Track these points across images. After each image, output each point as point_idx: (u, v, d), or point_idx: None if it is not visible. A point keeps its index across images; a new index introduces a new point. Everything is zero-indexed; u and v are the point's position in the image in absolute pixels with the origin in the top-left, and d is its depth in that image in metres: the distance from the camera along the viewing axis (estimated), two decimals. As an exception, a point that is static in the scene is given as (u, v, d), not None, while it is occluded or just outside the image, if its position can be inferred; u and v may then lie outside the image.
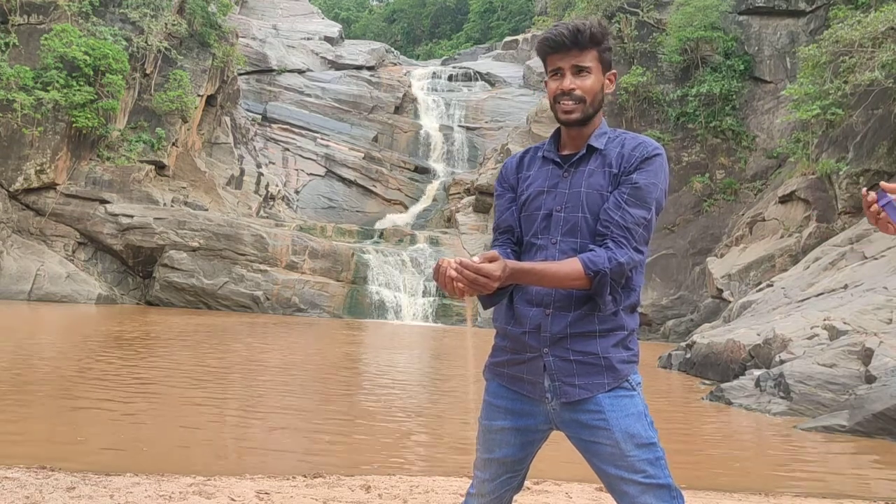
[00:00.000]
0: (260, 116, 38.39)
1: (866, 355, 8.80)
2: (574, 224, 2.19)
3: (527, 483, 4.89)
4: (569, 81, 2.22)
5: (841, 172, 20.05)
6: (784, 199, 21.91)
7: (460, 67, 44.22)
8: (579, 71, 2.22)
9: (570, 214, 2.20)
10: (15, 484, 4.19)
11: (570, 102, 2.23)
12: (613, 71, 2.32)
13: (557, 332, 2.16)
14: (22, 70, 25.07)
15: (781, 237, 21.24)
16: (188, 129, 30.62)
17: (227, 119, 34.15)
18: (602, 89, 2.29)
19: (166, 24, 29.22)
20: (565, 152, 2.31)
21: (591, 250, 2.13)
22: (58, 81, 25.29)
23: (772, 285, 16.52)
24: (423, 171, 38.37)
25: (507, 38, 47.64)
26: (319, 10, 51.09)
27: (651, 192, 2.15)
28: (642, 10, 29.42)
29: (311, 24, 45.87)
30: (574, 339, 2.16)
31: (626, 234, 2.12)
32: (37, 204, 25.91)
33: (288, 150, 37.78)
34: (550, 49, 2.23)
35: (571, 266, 2.09)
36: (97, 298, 24.25)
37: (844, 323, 10.22)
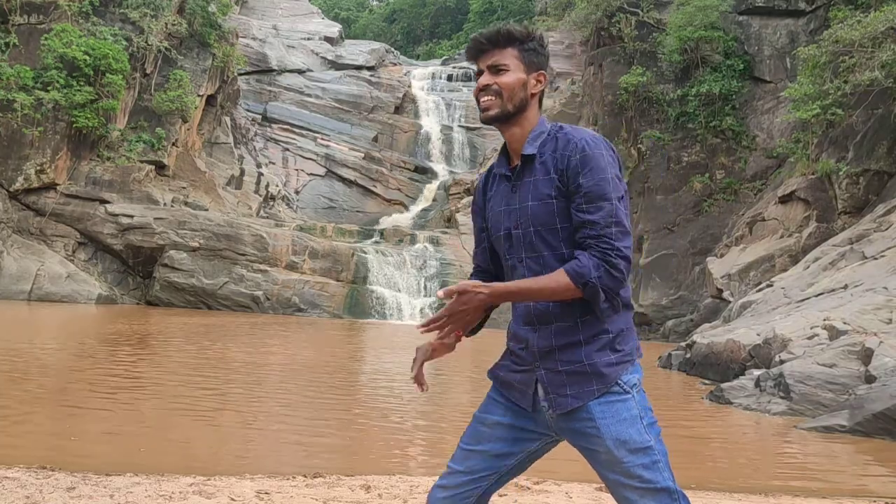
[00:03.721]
0: (260, 116, 38.39)
1: (866, 355, 8.80)
2: (531, 240, 2.19)
3: (527, 483, 4.89)
4: (485, 78, 2.24)
5: (841, 172, 20.05)
6: (784, 199, 21.91)
7: (460, 67, 44.21)
8: (497, 69, 2.23)
9: (525, 231, 2.20)
10: (15, 484, 4.19)
11: (487, 98, 2.23)
12: (542, 71, 2.27)
13: (544, 347, 2.18)
14: (22, 70, 25.08)
15: (781, 237, 21.24)
16: (188, 129, 30.63)
17: (227, 119, 34.15)
18: (524, 87, 2.23)
19: (166, 24, 29.22)
20: (515, 163, 2.28)
21: (575, 258, 2.09)
22: (58, 81, 25.29)
23: (772, 285, 16.52)
24: (423, 171, 38.37)
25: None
26: (319, 10, 51.08)
27: (604, 188, 2.09)
28: (642, 10, 29.42)
29: (311, 24, 45.86)
30: (561, 350, 2.16)
31: (603, 240, 2.07)
32: (37, 204, 25.91)
33: (288, 150, 37.78)
34: (473, 54, 2.28)
35: (558, 279, 2.08)
36: (97, 298, 24.25)
37: (844, 323, 10.22)
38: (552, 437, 2.28)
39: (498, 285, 2.12)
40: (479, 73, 2.27)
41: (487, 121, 2.25)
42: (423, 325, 2.14)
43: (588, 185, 2.09)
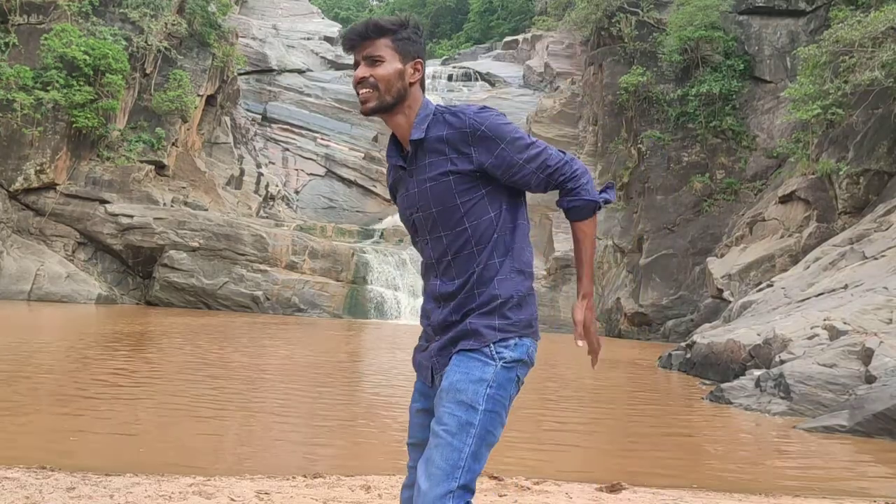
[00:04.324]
0: (260, 116, 38.38)
1: (866, 355, 8.80)
2: (434, 220, 2.23)
3: (527, 483, 4.89)
4: (361, 71, 2.23)
5: (841, 172, 20.04)
6: (784, 199, 21.91)
7: (460, 67, 44.18)
8: (373, 61, 2.22)
9: (426, 213, 2.23)
10: (15, 484, 4.19)
11: (365, 90, 2.22)
12: (419, 59, 2.27)
13: (444, 321, 2.23)
14: (22, 70, 25.07)
15: (781, 237, 21.23)
16: (188, 129, 30.62)
17: (227, 119, 34.15)
18: (401, 77, 2.23)
19: (166, 23, 29.21)
20: (406, 150, 2.32)
21: (566, 208, 2.22)
22: (58, 81, 25.29)
23: (772, 285, 16.52)
24: (423, 171, 38.31)
25: (507, 38, 47.58)
26: (319, 10, 51.08)
27: (524, 145, 2.17)
28: (642, 10, 29.42)
29: (311, 23, 45.85)
30: (456, 323, 2.21)
31: (562, 168, 2.19)
32: (37, 204, 25.91)
33: (288, 150, 37.78)
34: (348, 46, 2.27)
35: (584, 230, 2.23)
36: (97, 298, 24.25)
37: (844, 323, 10.22)
38: None
39: (586, 293, 2.24)
40: (357, 65, 2.26)
41: (367, 113, 2.24)
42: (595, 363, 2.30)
43: (513, 148, 2.15)
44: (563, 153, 2.22)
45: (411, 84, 2.26)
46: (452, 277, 2.23)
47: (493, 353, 2.14)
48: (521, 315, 2.20)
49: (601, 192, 2.26)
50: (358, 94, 2.24)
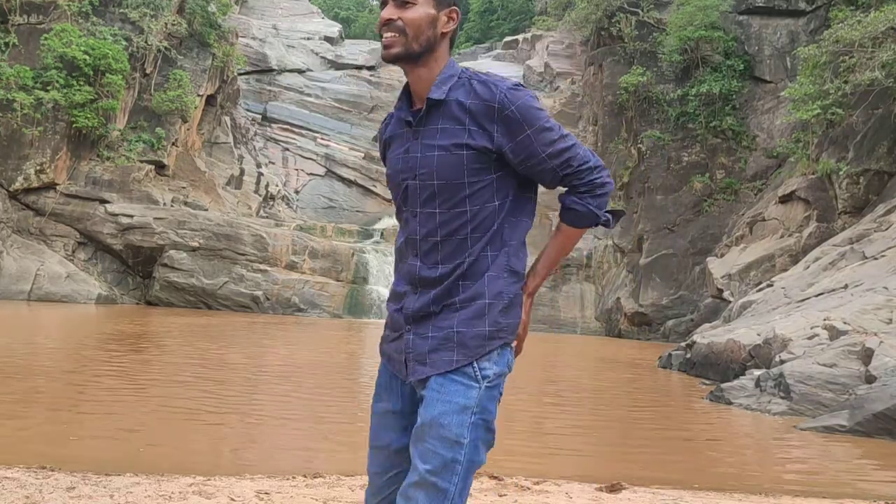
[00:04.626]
0: (260, 116, 38.38)
1: (866, 355, 8.80)
2: (430, 194, 1.98)
3: (527, 483, 4.89)
4: (388, 11, 1.99)
5: (841, 172, 20.05)
6: (784, 199, 21.91)
7: (460, 67, 44.19)
8: (403, 2, 1.98)
9: (424, 182, 1.98)
10: (15, 484, 4.19)
11: (390, 34, 1.98)
12: (454, 7, 2.05)
13: (419, 310, 2.00)
14: (22, 70, 25.06)
15: (781, 237, 21.24)
16: (188, 129, 30.62)
17: (227, 119, 34.14)
18: (433, 25, 1.99)
19: (166, 23, 29.20)
20: (417, 107, 2.06)
21: (567, 207, 2.03)
22: (58, 81, 25.28)
23: (772, 285, 16.52)
24: (423, 171, 38.32)
25: (507, 38, 47.58)
26: (319, 10, 51.07)
27: (553, 135, 1.97)
28: (642, 10, 29.42)
29: (311, 23, 45.84)
30: (437, 316, 1.98)
31: (582, 173, 1.99)
32: (37, 204, 25.90)
33: (288, 149, 37.77)
34: None
35: (569, 236, 2.06)
36: (97, 298, 24.25)
37: (844, 323, 10.22)
38: None
39: (531, 284, 2.04)
40: (384, 4, 2.02)
41: (390, 59, 2.00)
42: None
43: (539, 139, 1.95)
44: (593, 155, 2.02)
45: (443, 35, 2.03)
46: (437, 262, 1.99)
47: (477, 371, 1.94)
48: (509, 319, 2.00)
49: (609, 211, 2.06)
50: (381, 36, 2.00)
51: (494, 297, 1.98)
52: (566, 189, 2.05)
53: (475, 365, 1.94)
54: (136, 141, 28.25)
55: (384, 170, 2.18)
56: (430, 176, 1.97)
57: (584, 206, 2.01)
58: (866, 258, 14.63)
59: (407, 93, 2.09)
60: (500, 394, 2.01)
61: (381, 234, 30.29)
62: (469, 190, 1.97)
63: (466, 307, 1.97)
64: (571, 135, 2.01)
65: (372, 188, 37.30)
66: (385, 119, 2.21)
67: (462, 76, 2.03)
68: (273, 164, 36.60)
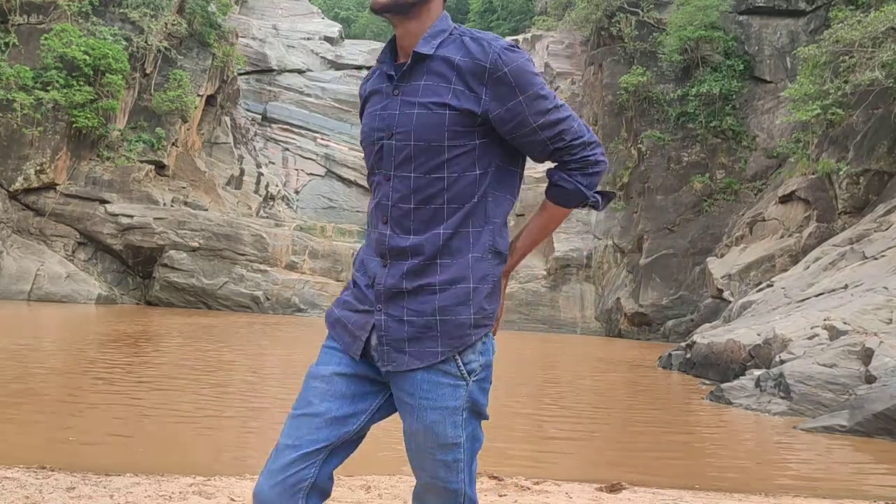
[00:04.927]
0: (260, 116, 38.39)
1: (866, 355, 8.80)
2: (407, 155, 1.81)
3: (527, 483, 4.89)
4: None
5: (841, 172, 20.06)
6: (784, 199, 21.92)
7: (460, 67, 44.21)
8: None
9: (401, 142, 1.81)
10: (15, 484, 4.19)
11: None
12: None
13: (392, 287, 1.81)
14: (22, 70, 25.07)
15: (781, 237, 21.24)
16: (188, 129, 30.63)
17: (227, 119, 34.15)
18: None
19: (166, 23, 29.21)
20: (401, 61, 1.89)
21: (555, 183, 1.87)
22: (58, 81, 25.29)
23: (772, 285, 16.52)
24: (423, 171, 38.32)
25: (508, 38, 47.65)
26: (319, 10, 51.08)
27: (547, 104, 1.81)
28: (642, 10, 29.42)
29: (311, 23, 45.84)
30: (412, 295, 1.80)
31: (574, 148, 1.83)
32: (37, 204, 25.91)
33: (288, 150, 37.78)
34: None
35: (553, 215, 1.91)
36: (97, 298, 24.25)
37: (844, 323, 10.22)
38: (390, 392, 1.92)
39: (509, 264, 1.90)
40: None
41: (379, 9, 1.84)
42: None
43: (532, 107, 1.79)
44: (588, 130, 1.86)
45: None
46: (409, 231, 1.81)
47: (462, 366, 1.81)
48: (494, 305, 1.84)
49: (599, 192, 1.90)
50: None
51: (479, 281, 1.82)
52: (555, 164, 1.89)
53: (459, 360, 1.80)
54: (136, 141, 28.26)
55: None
56: (408, 136, 1.80)
57: (573, 184, 1.85)
58: (866, 258, 14.63)
59: (393, 47, 1.93)
60: (490, 383, 1.89)
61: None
62: (448, 154, 1.79)
63: (447, 290, 1.80)
64: (567, 106, 1.86)
65: (372, 188, 37.34)
66: (368, 74, 2.02)
67: (455, 32, 1.86)
68: (273, 164, 36.61)
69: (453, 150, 1.80)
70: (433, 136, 1.78)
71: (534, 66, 1.83)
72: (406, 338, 1.80)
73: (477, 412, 1.85)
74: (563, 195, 1.87)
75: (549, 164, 1.93)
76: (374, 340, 1.84)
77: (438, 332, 1.79)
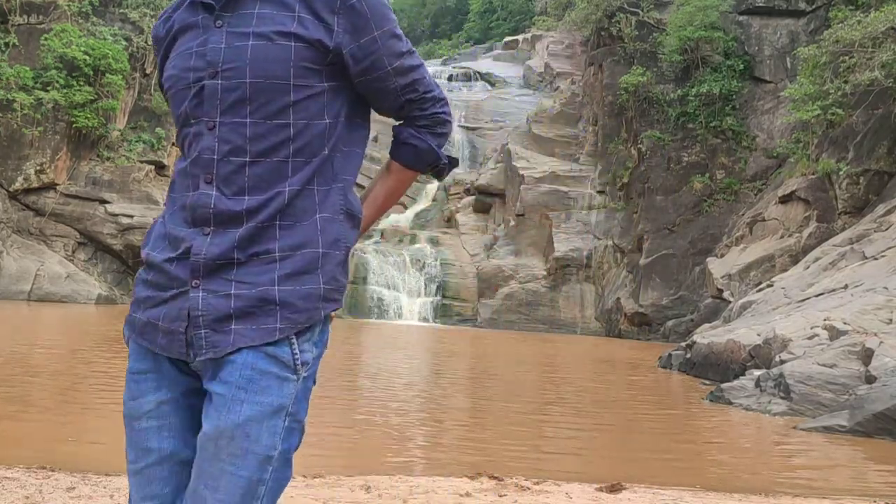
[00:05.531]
0: (260, 116, 38.41)
1: (866, 355, 8.81)
2: (240, 97, 1.47)
3: (527, 483, 4.89)
4: None
5: (841, 172, 20.06)
6: (784, 199, 21.92)
7: (460, 67, 44.18)
8: None
9: (231, 81, 1.47)
10: (15, 484, 4.19)
11: None
12: None
13: (218, 256, 1.45)
14: (22, 70, 25.08)
15: (781, 237, 21.25)
16: (188, 129, 30.65)
17: (227, 119, 34.20)
18: None
19: (166, 24, 29.24)
20: None
21: (404, 142, 1.63)
22: (58, 81, 25.30)
23: (772, 285, 16.52)
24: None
25: (507, 38, 47.62)
26: (319, 10, 51.10)
27: (401, 47, 1.57)
28: (642, 10, 29.42)
29: (311, 24, 45.88)
30: (242, 266, 1.45)
31: (426, 102, 1.61)
32: (37, 204, 25.91)
33: (288, 150, 37.82)
34: None
35: (400, 178, 1.66)
36: (97, 298, 24.26)
37: (844, 323, 10.22)
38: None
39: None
40: None
41: None
42: None
43: (387, 47, 1.54)
44: (437, 86, 1.62)
45: None
46: (243, 189, 1.46)
47: (295, 354, 1.46)
48: (346, 277, 1.56)
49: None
50: None
51: (330, 246, 1.51)
52: (401, 121, 1.65)
53: (295, 345, 1.46)
54: (136, 141, 28.26)
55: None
56: (241, 72, 1.46)
57: (426, 143, 1.61)
58: (866, 258, 14.63)
59: None
60: (314, 383, 1.56)
61: (381, 233, 30.29)
62: (295, 96, 1.48)
63: (290, 257, 1.47)
64: (416, 52, 1.62)
65: (372, 188, 37.31)
66: (165, 10, 1.71)
67: None
68: (273, 164, 36.63)
69: (300, 92, 1.49)
70: (276, 71, 1.46)
71: (388, 2, 1.60)
72: (233, 314, 1.43)
73: (299, 424, 1.50)
74: (414, 155, 1.63)
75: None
76: (187, 327, 1.45)
77: (277, 305, 1.44)
